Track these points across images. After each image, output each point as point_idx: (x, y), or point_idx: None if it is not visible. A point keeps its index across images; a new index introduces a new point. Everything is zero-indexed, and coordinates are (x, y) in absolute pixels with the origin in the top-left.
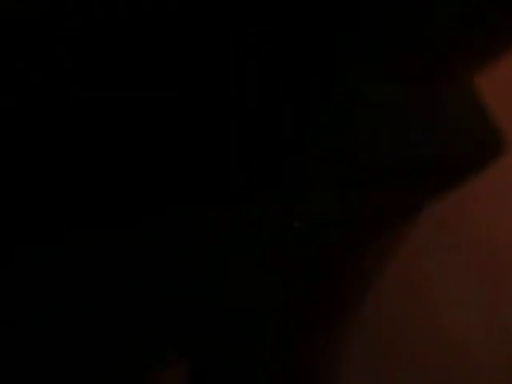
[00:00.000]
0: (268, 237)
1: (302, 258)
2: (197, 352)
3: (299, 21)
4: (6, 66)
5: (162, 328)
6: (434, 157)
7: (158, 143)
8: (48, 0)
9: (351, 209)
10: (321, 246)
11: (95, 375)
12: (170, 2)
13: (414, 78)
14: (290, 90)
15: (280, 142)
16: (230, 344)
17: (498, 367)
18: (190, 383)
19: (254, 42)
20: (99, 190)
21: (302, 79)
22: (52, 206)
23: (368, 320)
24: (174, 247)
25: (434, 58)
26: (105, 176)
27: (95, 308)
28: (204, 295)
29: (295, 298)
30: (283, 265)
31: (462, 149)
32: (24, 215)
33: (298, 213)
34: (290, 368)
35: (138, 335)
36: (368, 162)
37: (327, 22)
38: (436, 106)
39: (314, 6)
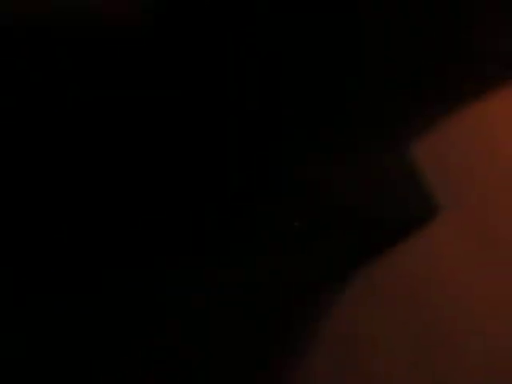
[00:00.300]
0: (268, 237)
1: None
2: (196, 352)
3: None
4: (6, 66)
5: (161, 328)
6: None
7: (157, 143)
8: (47, 4)
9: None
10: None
11: (95, 375)
12: (171, 2)
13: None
14: (290, 93)
15: (280, 143)
16: (230, 343)
17: None
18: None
19: (254, 42)
20: (99, 195)
21: (301, 81)
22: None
23: None
24: (174, 248)
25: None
26: (104, 176)
27: (95, 308)
28: (204, 296)
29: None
30: (284, 264)
31: (391, 213)
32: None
33: (298, 213)
34: (289, 366)
35: (137, 335)
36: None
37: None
38: (372, 173)
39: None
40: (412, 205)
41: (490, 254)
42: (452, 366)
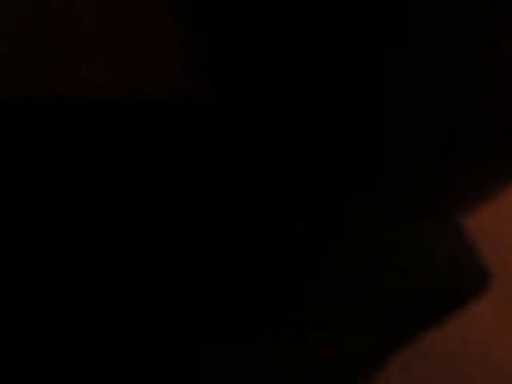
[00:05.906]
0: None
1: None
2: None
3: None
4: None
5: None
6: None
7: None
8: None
9: None
10: None
11: (95, 375)
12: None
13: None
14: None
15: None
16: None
17: None
18: None
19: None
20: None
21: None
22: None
23: None
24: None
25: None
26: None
27: (95, 310)
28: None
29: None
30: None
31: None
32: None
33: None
34: None
35: (137, 336)
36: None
37: None
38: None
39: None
40: (460, 277)
41: None
42: None
